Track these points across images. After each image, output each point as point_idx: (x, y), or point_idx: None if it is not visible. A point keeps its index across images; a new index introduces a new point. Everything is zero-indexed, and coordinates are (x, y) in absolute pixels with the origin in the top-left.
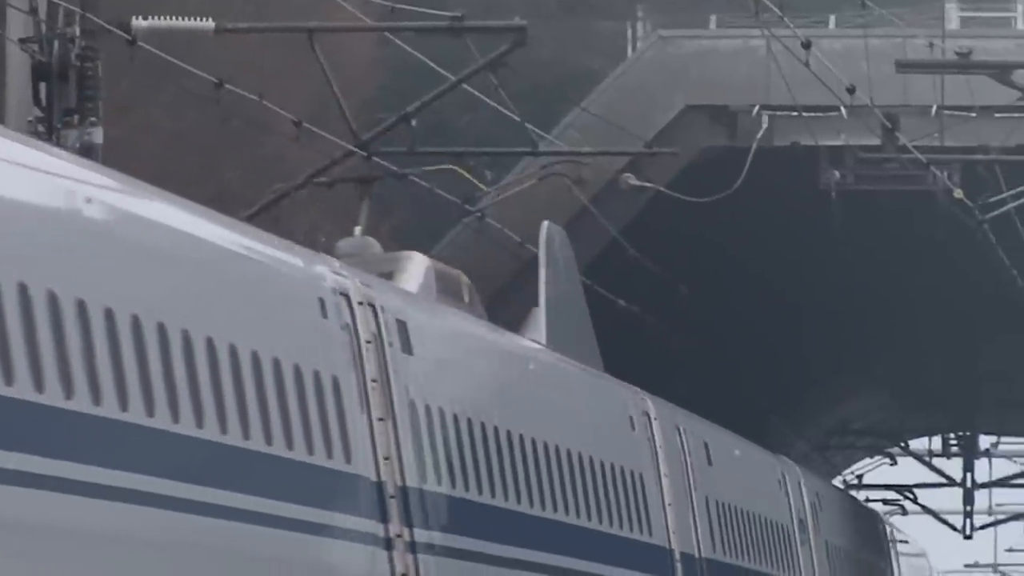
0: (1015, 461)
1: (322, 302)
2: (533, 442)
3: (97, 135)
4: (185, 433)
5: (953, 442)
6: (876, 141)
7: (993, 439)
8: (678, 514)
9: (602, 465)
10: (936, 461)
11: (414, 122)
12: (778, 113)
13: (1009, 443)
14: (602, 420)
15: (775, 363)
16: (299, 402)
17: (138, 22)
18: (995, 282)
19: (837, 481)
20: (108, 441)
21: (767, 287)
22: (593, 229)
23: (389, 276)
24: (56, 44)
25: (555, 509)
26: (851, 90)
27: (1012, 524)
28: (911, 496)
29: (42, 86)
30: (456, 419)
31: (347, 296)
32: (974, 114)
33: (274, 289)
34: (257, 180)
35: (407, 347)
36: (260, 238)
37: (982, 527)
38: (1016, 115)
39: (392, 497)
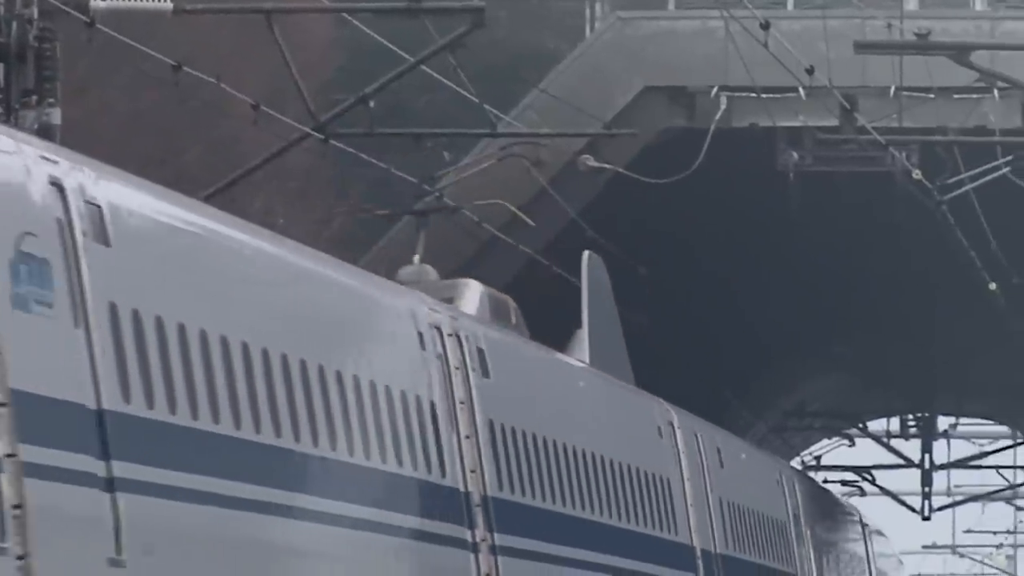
0: (973, 442)
1: (420, 335)
2: (583, 453)
3: (55, 116)
4: (331, 457)
5: (911, 423)
6: (834, 122)
7: (951, 420)
8: (698, 514)
9: (638, 471)
10: (894, 442)
11: (372, 103)
12: (736, 94)
13: (967, 424)
14: (636, 431)
15: (734, 344)
16: (406, 424)
17: (96, 3)
18: (953, 263)
19: (795, 462)
20: (277, 465)
21: (725, 268)
22: (551, 210)
23: (449, 301)
24: (14, 25)
25: (602, 512)
26: (810, 71)
27: (970, 505)
28: (869, 477)
29: (0, 67)
30: (524, 434)
31: (439, 329)
32: (933, 95)
33: (382, 325)
34: (215, 162)
35: (486, 371)
36: (363, 277)
37: (940, 508)
38: (974, 96)
39: (477, 506)
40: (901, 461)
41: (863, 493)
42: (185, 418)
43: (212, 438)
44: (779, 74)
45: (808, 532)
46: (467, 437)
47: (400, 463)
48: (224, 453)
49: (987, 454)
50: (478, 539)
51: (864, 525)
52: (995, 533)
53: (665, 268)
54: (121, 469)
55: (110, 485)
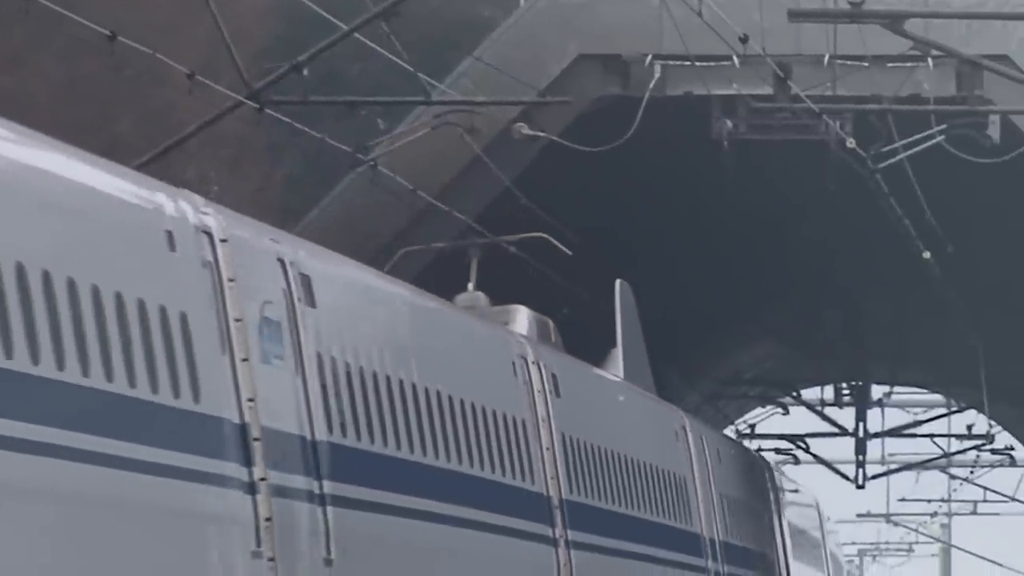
0: (907, 411)
1: (514, 365)
2: (627, 457)
3: None
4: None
5: (845, 392)
6: (768, 91)
7: (885, 389)
8: (706, 506)
9: (665, 473)
10: (828, 411)
11: (306, 72)
12: (671, 63)
13: (901, 393)
14: (661, 437)
15: (667, 313)
16: (503, 439)
17: None
18: (888, 232)
19: (730, 431)
20: (430, 479)
21: (659, 236)
22: (485, 178)
23: (504, 324)
24: None
25: (640, 508)
26: (744, 39)
27: (904, 474)
28: (803, 446)
29: None
30: (588, 445)
31: (525, 359)
32: (866, 64)
33: (489, 358)
34: (149, 130)
35: (556, 391)
36: (470, 319)
37: (874, 477)
38: (908, 64)
39: (556, 507)
40: (835, 430)
41: (797, 462)
42: (379, 445)
43: (390, 460)
44: (713, 42)
45: (784, 516)
46: (547, 449)
47: (496, 471)
48: (398, 471)
49: (921, 423)
50: (557, 535)
51: (772, 474)
52: (929, 501)
53: (599, 236)
54: (329, 487)
55: (322, 500)
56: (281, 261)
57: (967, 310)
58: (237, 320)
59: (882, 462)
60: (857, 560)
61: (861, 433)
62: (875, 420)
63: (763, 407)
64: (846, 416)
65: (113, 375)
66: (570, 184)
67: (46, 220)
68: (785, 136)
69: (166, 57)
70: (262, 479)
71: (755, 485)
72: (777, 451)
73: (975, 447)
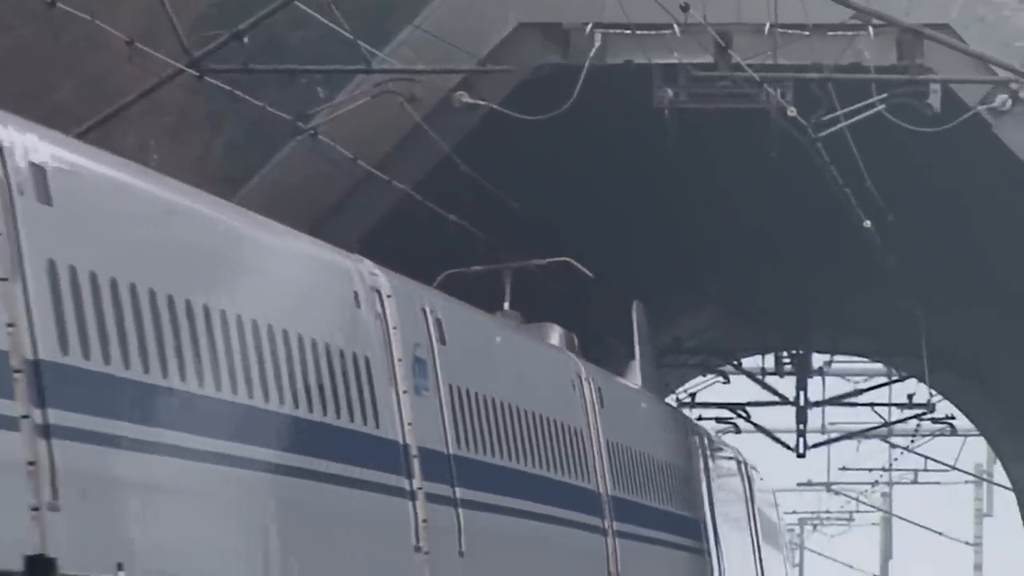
0: (848, 380)
1: (574, 381)
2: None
3: None
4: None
5: (786, 361)
6: (709, 59)
7: (826, 358)
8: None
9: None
10: (769, 380)
11: (246, 39)
12: (611, 31)
13: (842, 362)
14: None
15: (608, 280)
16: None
17: None
18: (829, 201)
19: (671, 400)
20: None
21: (600, 205)
22: (426, 147)
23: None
24: None
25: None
26: (684, 8)
27: (845, 443)
28: (744, 415)
29: None
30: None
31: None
32: (807, 32)
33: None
34: (89, 98)
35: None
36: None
37: (815, 446)
38: (849, 33)
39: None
40: (776, 399)
41: (738, 430)
42: (489, 456)
43: (500, 468)
44: (654, 11)
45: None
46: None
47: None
48: (504, 477)
49: (862, 392)
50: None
51: (693, 429)
52: (870, 470)
53: (540, 204)
54: (461, 492)
55: (455, 503)
56: (423, 310)
57: (908, 279)
58: (399, 360)
59: (823, 431)
60: (798, 529)
61: (802, 402)
62: (816, 389)
63: (704, 376)
64: (787, 385)
65: (328, 410)
66: (511, 152)
67: (283, 292)
68: (726, 105)
69: (105, 24)
70: (419, 488)
71: (674, 444)
72: (718, 420)
73: (916, 416)
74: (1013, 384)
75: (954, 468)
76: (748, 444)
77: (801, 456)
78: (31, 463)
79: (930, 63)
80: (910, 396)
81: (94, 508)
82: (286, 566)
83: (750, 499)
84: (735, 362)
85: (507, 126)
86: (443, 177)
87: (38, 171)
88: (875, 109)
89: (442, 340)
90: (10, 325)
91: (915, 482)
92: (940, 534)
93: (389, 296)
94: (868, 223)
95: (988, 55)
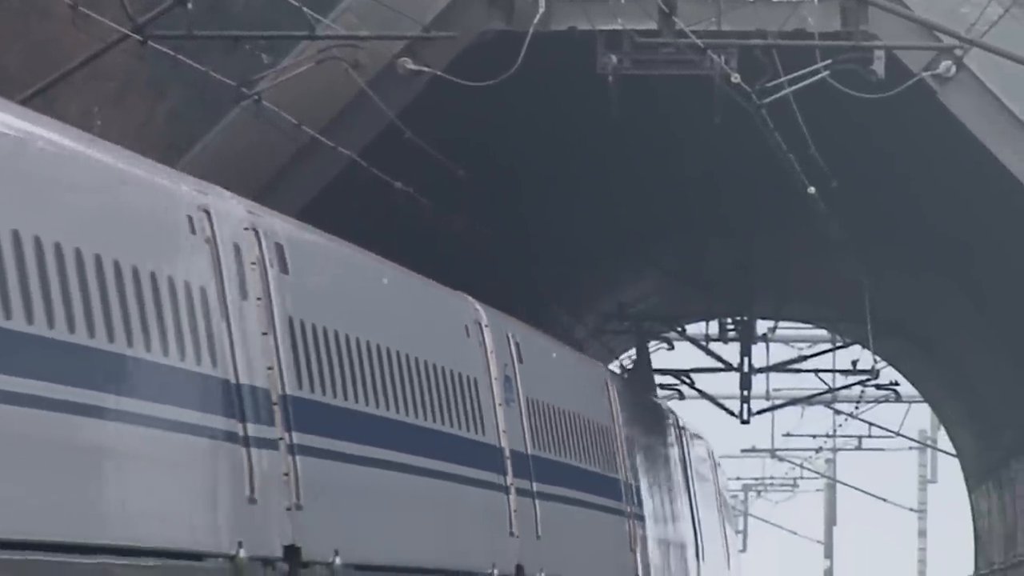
0: (792, 346)
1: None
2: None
3: None
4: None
5: (730, 327)
6: (653, 26)
7: (770, 324)
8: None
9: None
10: (713, 346)
11: (190, 5)
12: None
13: (786, 328)
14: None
15: (553, 247)
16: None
17: None
18: (773, 167)
19: (614, 366)
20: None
21: (545, 171)
22: (370, 113)
23: None
24: None
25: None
26: None
27: (789, 409)
28: (688, 381)
29: None
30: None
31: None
32: None
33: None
34: (33, 63)
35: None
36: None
37: (759, 412)
38: (793, 0)
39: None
40: (720, 365)
41: (682, 397)
42: (561, 455)
43: (568, 466)
44: None
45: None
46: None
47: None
48: (570, 472)
49: (806, 358)
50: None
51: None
52: (814, 437)
53: (484, 171)
54: (536, 486)
55: (532, 495)
56: (507, 336)
57: (852, 245)
58: (495, 379)
59: (767, 397)
60: (742, 495)
61: (746, 368)
62: (760, 356)
63: (648, 342)
64: (731, 351)
65: (436, 416)
66: (456, 119)
67: (428, 331)
68: (670, 71)
69: None
70: (511, 484)
71: (657, 421)
72: (662, 386)
73: (860, 382)
74: (957, 350)
75: (898, 434)
76: (692, 411)
77: (745, 423)
78: (285, 474)
79: (874, 29)
80: (854, 362)
81: (323, 508)
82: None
83: (685, 459)
84: (679, 328)
85: (452, 93)
86: (388, 144)
87: (279, 248)
88: (819, 76)
89: (521, 360)
90: (269, 368)
91: (859, 448)
92: (884, 500)
93: (487, 326)
94: (812, 189)
95: (932, 21)
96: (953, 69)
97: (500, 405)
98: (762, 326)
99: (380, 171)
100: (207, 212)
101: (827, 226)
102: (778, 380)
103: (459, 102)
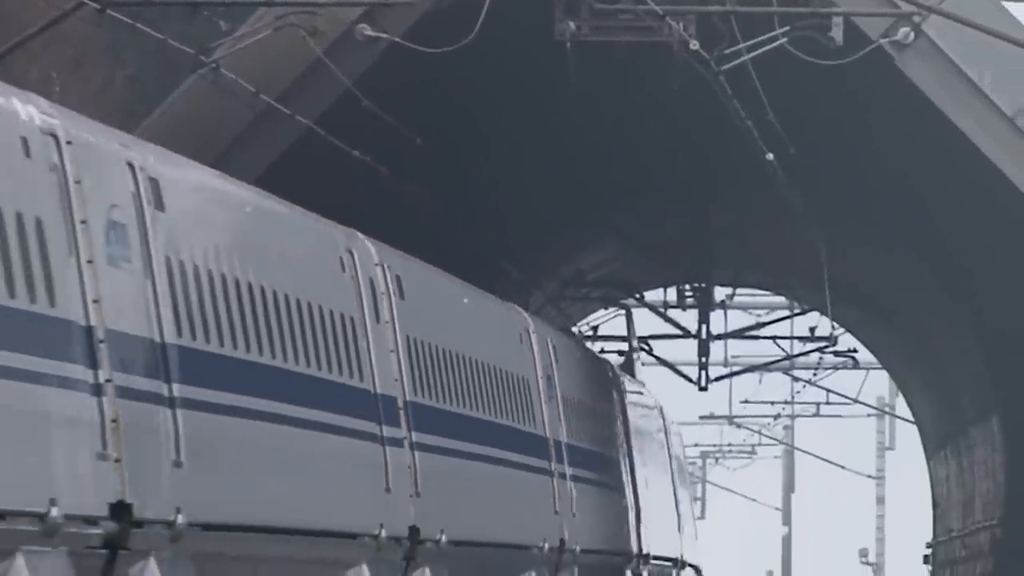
0: (750, 313)
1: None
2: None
3: None
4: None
5: (688, 294)
6: None
7: (728, 291)
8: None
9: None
10: (672, 313)
11: None
12: None
13: (744, 295)
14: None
15: (511, 214)
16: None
17: None
18: (731, 135)
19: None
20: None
21: (504, 138)
22: (327, 80)
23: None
24: None
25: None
26: None
27: (747, 376)
28: (646, 347)
29: None
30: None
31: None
32: None
33: None
34: None
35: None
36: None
37: (717, 379)
38: None
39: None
40: (678, 332)
41: (640, 363)
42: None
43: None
44: None
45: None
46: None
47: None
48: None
49: (764, 325)
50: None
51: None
52: (772, 403)
53: (443, 138)
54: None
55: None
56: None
57: (810, 212)
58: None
59: (725, 364)
60: (700, 462)
61: (704, 335)
62: (718, 322)
63: (606, 309)
64: (689, 318)
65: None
66: (413, 86)
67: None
68: (628, 38)
69: None
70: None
71: (600, 386)
72: (620, 353)
73: (818, 349)
74: (915, 317)
75: (856, 401)
76: (650, 377)
77: (703, 389)
78: (410, 466)
79: None
80: (812, 329)
81: (434, 495)
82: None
83: (628, 418)
84: (637, 295)
85: (409, 59)
86: (345, 111)
87: (399, 279)
88: (777, 42)
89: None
90: (395, 379)
91: (817, 415)
92: (842, 467)
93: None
94: (770, 156)
95: None
96: (911, 36)
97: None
98: (720, 293)
99: (338, 139)
100: (351, 253)
101: (785, 193)
102: (736, 347)
103: (417, 69)
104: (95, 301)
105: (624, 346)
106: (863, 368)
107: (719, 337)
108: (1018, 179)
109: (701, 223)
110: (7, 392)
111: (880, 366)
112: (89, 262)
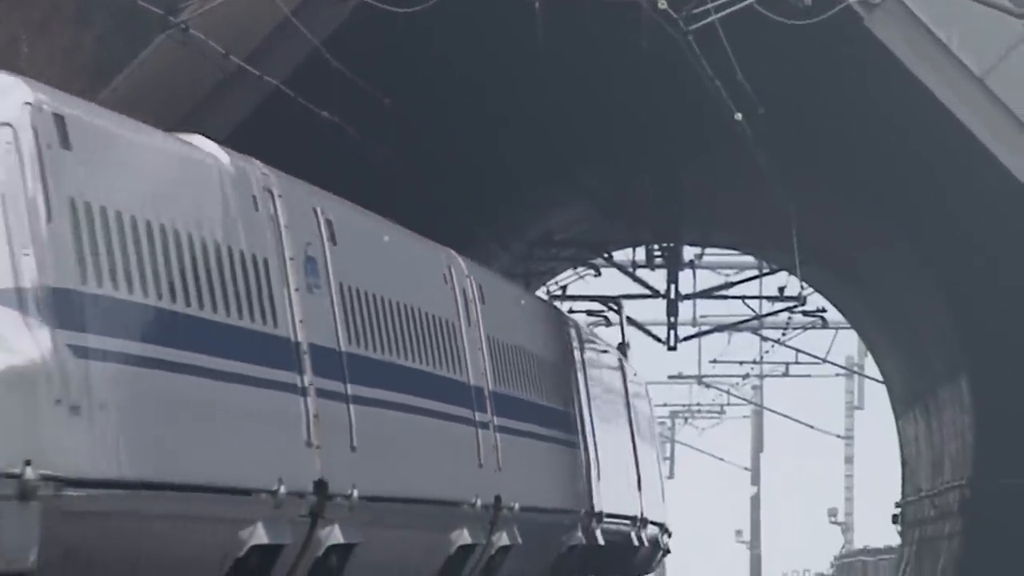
0: (719, 272)
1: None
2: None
3: None
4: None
5: (657, 254)
6: None
7: (697, 251)
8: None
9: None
10: (640, 272)
11: None
12: None
13: (713, 255)
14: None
15: (480, 175)
16: None
17: None
18: (701, 95)
19: (541, 292)
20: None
21: (472, 99)
22: (295, 40)
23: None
24: None
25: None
26: None
27: (716, 336)
28: (615, 307)
29: None
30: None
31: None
32: None
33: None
34: None
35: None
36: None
37: (686, 338)
38: None
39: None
40: (647, 291)
41: (609, 323)
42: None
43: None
44: None
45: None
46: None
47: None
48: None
49: (733, 284)
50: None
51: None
52: (741, 363)
53: (410, 99)
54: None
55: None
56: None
57: (779, 173)
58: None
59: (694, 324)
60: (669, 422)
61: (673, 295)
62: (687, 282)
63: (575, 269)
64: (658, 278)
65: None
66: (381, 46)
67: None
68: None
69: None
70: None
71: (549, 336)
72: (589, 312)
73: (787, 309)
74: (884, 277)
75: (825, 361)
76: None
77: (672, 349)
78: (494, 447)
79: None
80: (781, 289)
81: (511, 469)
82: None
83: (581, 368)
84: (606, 255)
85: (378, 19)
86: (313, 71)
87: (481, 287)
88: (746, 2)
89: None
90: (482, 372)
91: (786, 375)
92: (811, 427)
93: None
94: (739, 116)
95: None
96: None
97: (298, 291)
98: (689, 253)
99: (306, 99)
100: (449, 268)
101: (754, 153)
102: (705, 307)
103: (385, 29)
104: (300, 321)
105: (594, 305)
106: (832, 328)
107: (688, 297)
108: (986, 139)
109: (670, 183)
110: (249, 395)
111: (849, 326)
112: (296, 290)
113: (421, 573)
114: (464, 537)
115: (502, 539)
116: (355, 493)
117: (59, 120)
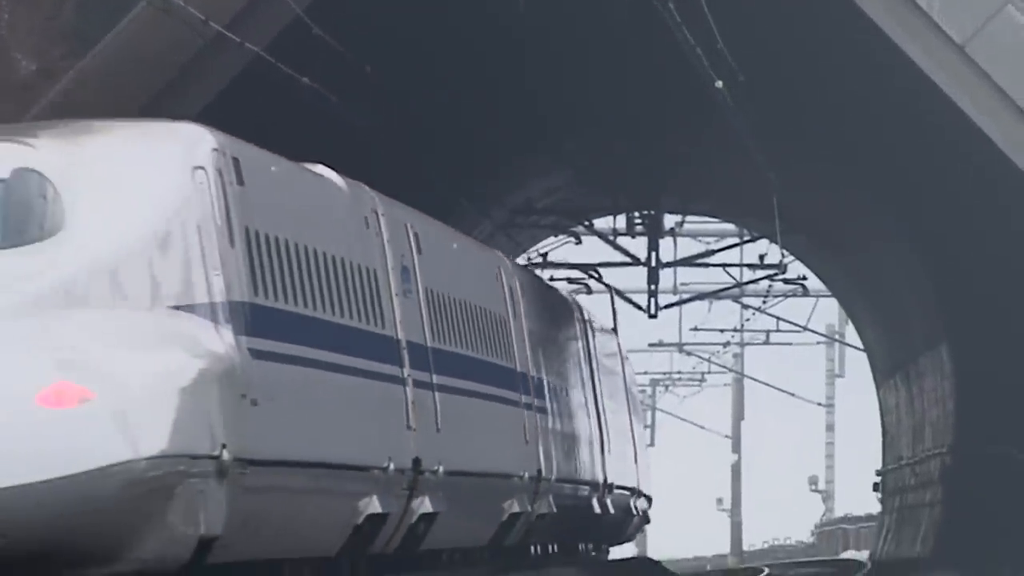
0: (700, 240)
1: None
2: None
3: None
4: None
5: (638, 221)
6: None
7: (678, 219)
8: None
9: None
10: (621, 240)
11: None
12: None
13: (694, 222)
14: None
15: (461, 142)
16: None
17: None
18: (681, 64)
19: (522, 259)
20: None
21: (453, 67)
22: (277, 7)
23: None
24: None
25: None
26: None
27: (697, 304)
28: (596, 275)
29: None
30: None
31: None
32: None
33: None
34: None
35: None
36: None
37: (667, 306)
38: None
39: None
40: (628, 259)
41: (590, 291)
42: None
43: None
44: None
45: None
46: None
47: None
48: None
49: (713, 252)
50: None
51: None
52: (722, 331)
53: (392, 68)
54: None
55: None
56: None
57: (760, 140)
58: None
59: (674, 291)
60: (650, 390)
61: (653, 263)
62: (667, 250)
63: (555, 237)
64: (638, 245)
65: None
66: (363, 14)
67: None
68: None
69: None
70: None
71: (564, 318)
72: (569, 280)
73: (767, 277)
74: (864, 245)
75: (806, 329)
76: (600, 305)
77: (653, 317)
78: (536, 426)
79: None
80: (762, 257)
81: (551, 447)
82: None
83: (591, 352)
84: (587, 223)
85: None
86: (295, 38)
87: (522, 289)
88: None
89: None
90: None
91: (767, 343)
92: (792, 395)
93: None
94: (719, 84)
95: None
96: None
97: (397, 296)
98: (670, 220)
99: (287, 66)
100: (499, 269)
101: (735, 121)
102: (685, 274)
103: None
104: (400, 321)
105: (575, 273)
106: (812, 296)
107: (668, 265)
108: (966, 106)
109: (651, 151)
110: (369, 387)
111: (829, 294)
112: (396, 295)
113: (481, 536)
114: (514, 506)
115: (541, 507)
116: (441, 469)
117: (236, 162)
